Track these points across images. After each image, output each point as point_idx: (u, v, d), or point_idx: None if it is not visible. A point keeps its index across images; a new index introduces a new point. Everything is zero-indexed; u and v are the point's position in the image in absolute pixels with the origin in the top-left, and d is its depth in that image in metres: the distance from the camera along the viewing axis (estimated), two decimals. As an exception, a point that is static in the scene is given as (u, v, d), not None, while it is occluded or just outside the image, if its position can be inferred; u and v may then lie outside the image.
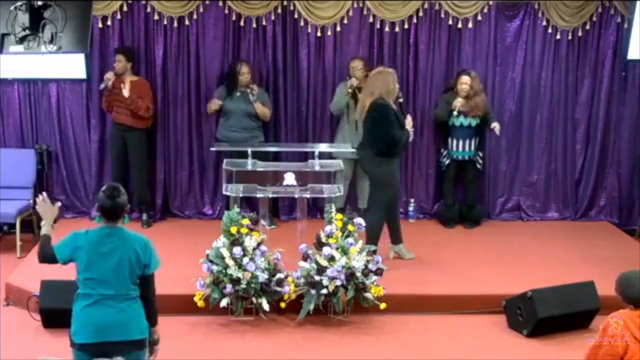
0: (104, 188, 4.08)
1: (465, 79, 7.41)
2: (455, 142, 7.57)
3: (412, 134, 6.65)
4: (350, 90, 7.30)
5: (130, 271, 3.96)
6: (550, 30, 7.73)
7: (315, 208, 7.53)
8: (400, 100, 6.63)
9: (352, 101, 7.36)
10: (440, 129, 7.74)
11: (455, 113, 7.43)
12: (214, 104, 7.43)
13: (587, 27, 7.73)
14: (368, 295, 5.75)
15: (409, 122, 6.56)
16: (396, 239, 6.74)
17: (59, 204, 4.44)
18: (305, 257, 5.83)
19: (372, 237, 6.35)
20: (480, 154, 7.69)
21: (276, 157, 7.46)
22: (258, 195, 6.39)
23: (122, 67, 7.38)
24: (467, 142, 7.56)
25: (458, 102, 7.40)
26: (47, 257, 4.03)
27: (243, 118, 7.40)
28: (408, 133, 6.52)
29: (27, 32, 5.07)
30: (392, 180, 6.50)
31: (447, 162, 7.67)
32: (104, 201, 4.00)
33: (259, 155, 6.55)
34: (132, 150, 7.52)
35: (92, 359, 3.86)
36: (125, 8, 7.51)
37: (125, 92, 7.33)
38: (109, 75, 7.31)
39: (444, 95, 7.64)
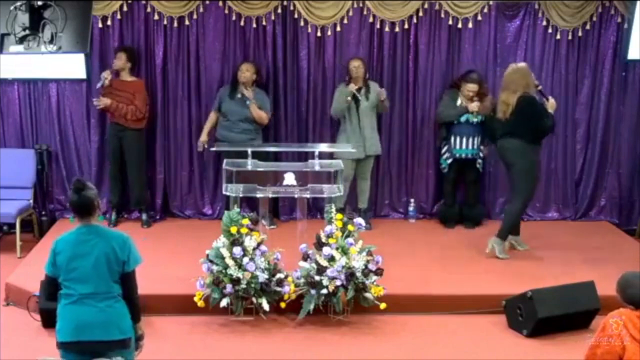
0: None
1: (471, 87, 7.42)
2: (459, 139, 7.54)
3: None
4: (349, 99, 7.32)
5: (109, 268, 3.93)
6: (550, 30, 7.74)
7: (315, 208, 7.53)
8: (540, 87, 6.85)
9: (352, 101, 7.37)
10: (441, 127, 7.70)
11: (472, 114, 7.47)
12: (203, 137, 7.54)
13: (587, 27, 7.73)
14: (368, 295, 5.75)
15: (551, 104, 6.77)
16: (517, 230, 7.05)
17: None
18: (305, 257, 5.83)
19: (509, 227, 6.81)
20: (482, 154, 7.68)
21: (276, 157, 7.47)
22: (258, 195, 6.39)
23: (121, 65, 7.36)
24: (471, 139, 7.54)
25: (475, 107, 7.43)
26: (45, 283, 4.07)
27: (240, 121, 7.40)
28: (553, 117, 6.77)
29: (27, 32, 5.07)
30: (537, 171, 6.91)
31: (450, 161, 7.64)
32: (71, 196, 3.99)
33: (259, 156, 6.56)
34: (128, 150, 7.51)
35: (76, 358, 3.88)
36: (125, 8, 7.51)
37: (106, 102, 7.31)
38: (106, 74, 7.31)
39: (448, 92, 7.62)
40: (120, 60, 7.37)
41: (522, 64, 6.89)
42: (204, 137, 7.53)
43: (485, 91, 7.49)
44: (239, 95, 7.40)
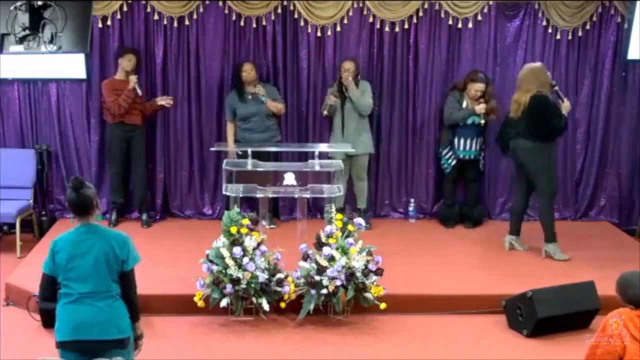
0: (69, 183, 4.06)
1: (479, 87, 7.41)
2: (462, 140, 7.54)
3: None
4: (326, 112, 7.40)
5: (109, 267, 3.93)
6: (550, 30, 7.73)
7: (315, 208, 7.53)
8: (556, 87, 6.85)
9: (339, 102, 7.41)
10: (445, 129, 7.69)
11: (479, 117, 7.45)
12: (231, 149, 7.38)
13: (587, 27, 7.73)
14: (368, 295, 5.75)
15: (566, 106, 6.78)
16: (517, 230, 7.06)
17: None
18: (305, 257, 5.83)
19: (550, 227, 6.83)
20: (483, 155, 7.69)
21: (276, 157, 7.47)
22: (258, 195, 6.39)
23: (132, 67, 7.34)
24: (474, 141, 7.54)
25: (482, 108, 7.41)
26: (42, 282, 4.09)
27: (261, 120, 7.41)
28: (566, 118, 6.76)
29: (27, 32, 5.06)
30: (553, 168, 6.94)
31: (453, 163, 7.62)
32: (69, 195, 3.98)
33: (259, 155, 6.55)
34: (135, 149, 7.50)
35: (75, 358, 3.88)
36: (125, 8, 7.51)
37: (167, 102, 7.50)
38: (134, 78, 7.28)
39: (451, 94, 7.59)
40: (132, 62, 7.35)
41: (538, 64, 6.87)
42: (231, 145, 7.37)
43: (492, 92, 7.47)
44: (249, 96, 7.41)
